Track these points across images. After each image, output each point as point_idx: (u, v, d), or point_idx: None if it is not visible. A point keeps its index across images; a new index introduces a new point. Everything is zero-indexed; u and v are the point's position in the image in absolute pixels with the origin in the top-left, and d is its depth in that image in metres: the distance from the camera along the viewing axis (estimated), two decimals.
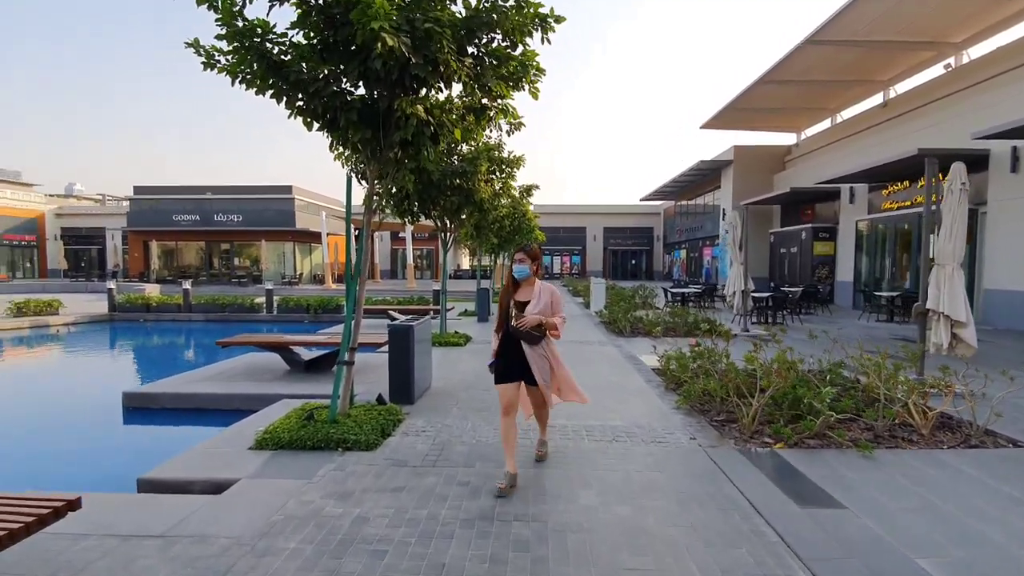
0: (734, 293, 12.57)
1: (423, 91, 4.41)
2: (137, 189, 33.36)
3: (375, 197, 4.86)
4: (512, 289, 3.71)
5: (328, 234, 31.57)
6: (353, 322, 4.57)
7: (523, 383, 3.68)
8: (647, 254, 44.96)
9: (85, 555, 2.53)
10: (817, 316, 15.46)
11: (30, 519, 2.02)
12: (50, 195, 49.56)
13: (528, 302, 3.59)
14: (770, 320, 13.68)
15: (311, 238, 34.96)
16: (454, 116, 4.63)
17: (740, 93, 19.84)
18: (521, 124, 6.91)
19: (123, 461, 4.86)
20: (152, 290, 22.00)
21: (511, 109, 5.04)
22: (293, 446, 4.11)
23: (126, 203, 36.31)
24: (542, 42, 4.55)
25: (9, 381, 9.13)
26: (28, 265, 38.33)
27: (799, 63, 16.47)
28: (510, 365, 3.62)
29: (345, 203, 4.74)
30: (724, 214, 26.36)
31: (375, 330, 11.98)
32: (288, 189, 33.41)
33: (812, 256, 19.95)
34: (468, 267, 53.86)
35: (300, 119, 4.36)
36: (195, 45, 4.23)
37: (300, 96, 4.22)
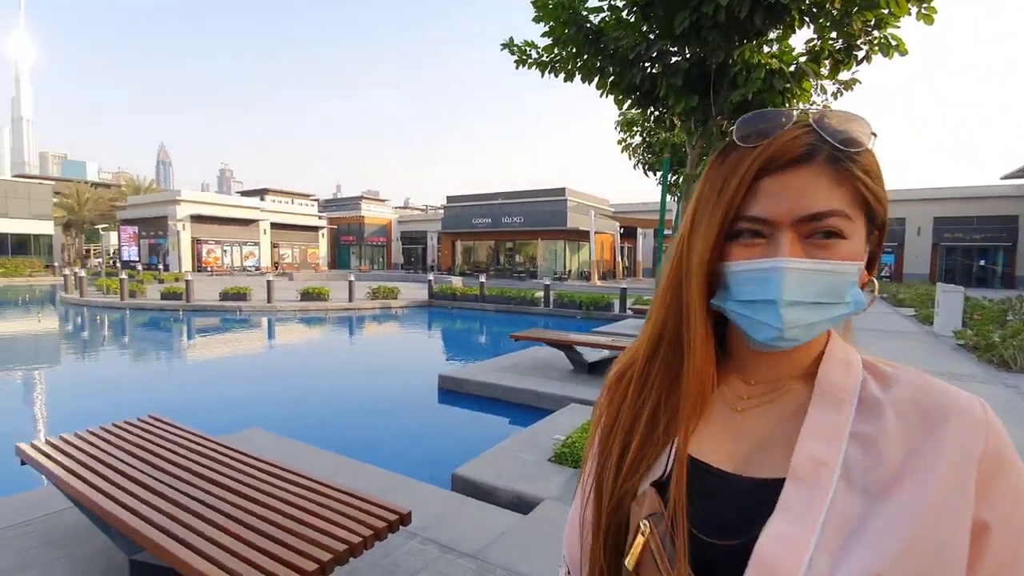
0: None
1: (769, 33, 3.37)
2: (449, 199, 40.65)
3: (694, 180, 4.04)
4: (697, 378, 0.57)
5: (596, 232, 32.44)
6: None
7: None
8: (1007, 252, 32.01)
9: (409, 562, 2.46)
10: None
11: (367, 533, 1.91)
12: (395, 207, 65.43)
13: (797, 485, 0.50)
14: None
15: (579, 236, 36.54)
16: (810, 63, 3.44)
17: None
18: (855, 81, 5.12)
19: (436, 443, 5.30)
20: (457, 282, 26.33)
21: (897, 41, 3.52)
22: None
23: (441, 210, 44.77)
24: None
25: (360, 350, 11.74)
26: (380, 259, 51.12)
27: None
28: None
29: (660, 195, 4.04)
30: None
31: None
32: (562, 191, 35.59)
33: None
34: None
35: (612, 96, 3.88)
36: (509, 45, 4.23)
37: (613, 69, 3.71)
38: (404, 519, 2.07)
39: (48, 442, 2.90)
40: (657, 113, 4.08)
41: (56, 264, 36.10)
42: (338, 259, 50.50)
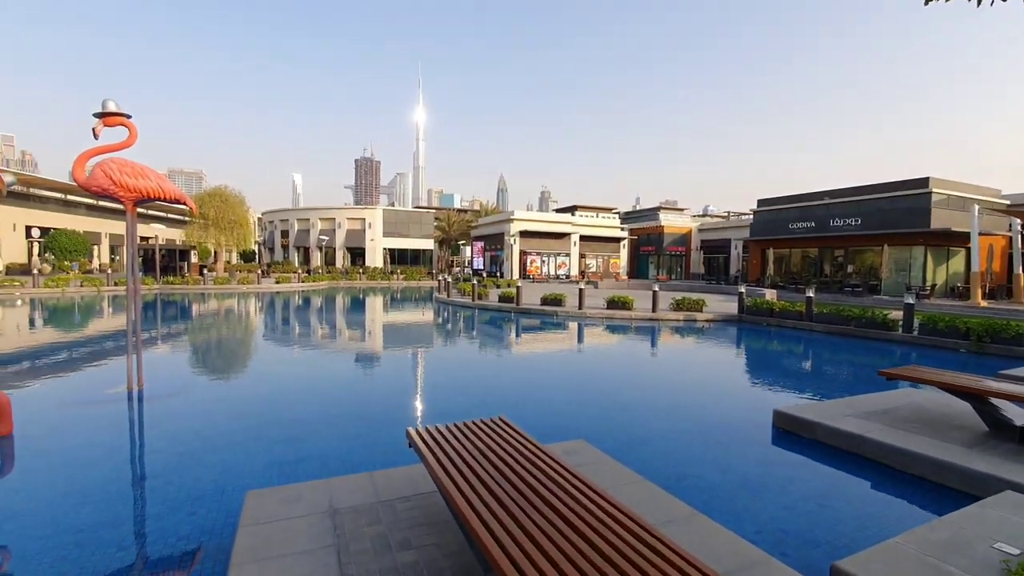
0: None
1: None
2: (760, 202, 36.30)
3: None
4: None
5: (980, 234, 23.46)
6: None
7: None
8: None
9: None
10: None
11: None
12: (694, 215, 62.86)
13: None
14: None
15: (950, 240, 27.23)
16: None
17: None
18: None
19: (781, 503, 4.23)
20: (770, 295, 22.98)
21: None
22: None
23: (746, 217, 40.42)
24: None
25: (669, 366, 11.11)
26: (679, 269, 49.71)
27: None
28: None
29: None
30: None
31: None
32: (924, 182, 27.19)
33: None
34: None
35: None
36: None
37: None
38: None
39: (426, 430, 3.35)
40: None
41: (433, 271, 48.62)
42: (637, 268, 51.44)
